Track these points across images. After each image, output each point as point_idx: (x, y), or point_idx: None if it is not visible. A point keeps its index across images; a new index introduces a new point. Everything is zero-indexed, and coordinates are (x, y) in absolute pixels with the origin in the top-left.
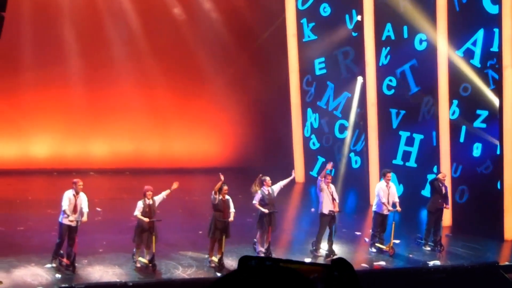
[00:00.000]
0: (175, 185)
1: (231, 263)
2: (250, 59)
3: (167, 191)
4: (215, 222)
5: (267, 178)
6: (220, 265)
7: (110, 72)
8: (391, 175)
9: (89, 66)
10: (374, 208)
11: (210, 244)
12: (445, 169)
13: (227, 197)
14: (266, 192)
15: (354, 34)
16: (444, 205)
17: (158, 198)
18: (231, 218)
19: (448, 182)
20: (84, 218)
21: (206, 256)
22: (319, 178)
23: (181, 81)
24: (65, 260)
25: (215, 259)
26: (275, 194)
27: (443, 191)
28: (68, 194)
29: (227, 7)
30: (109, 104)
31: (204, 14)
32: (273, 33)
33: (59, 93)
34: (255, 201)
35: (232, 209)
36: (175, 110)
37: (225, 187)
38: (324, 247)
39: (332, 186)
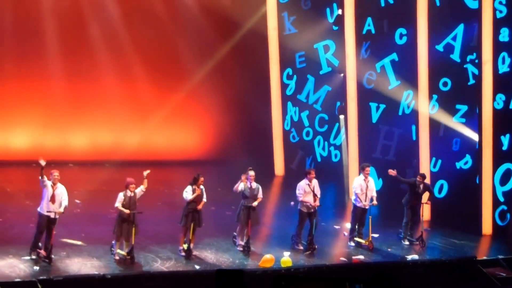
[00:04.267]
0: (145, 173)
1: (210, 256)
2: (231, 53)
3: (144, 184)
4: (188, 212)
5: (252, 173)
6: (190, 252)
7: (91, 65)
8: (369, 169)
9: (70, 59)
10: (353, 201)
11: (182, 232)
12: (424, 163)
13: (201, 187)
14: (249, 186)
15: (334, 28)
16: (427, 201)
17: (138, 191)
18: (200, 207)
19: (427, 177)
20: (61, 210)
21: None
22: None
23: (162, 74)
24: (42, 252)
25: (185, 246)
26: (257, 192)
27: (420, 189)
28: (47, 184)
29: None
30: (89, 96)
31: (185, 6)
32: (254, 26)
33: (39, 85)
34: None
35: (204, 199)
36: (155, 103)
37: (201, 178)
38: (304, 241)
39: (315, 181)
